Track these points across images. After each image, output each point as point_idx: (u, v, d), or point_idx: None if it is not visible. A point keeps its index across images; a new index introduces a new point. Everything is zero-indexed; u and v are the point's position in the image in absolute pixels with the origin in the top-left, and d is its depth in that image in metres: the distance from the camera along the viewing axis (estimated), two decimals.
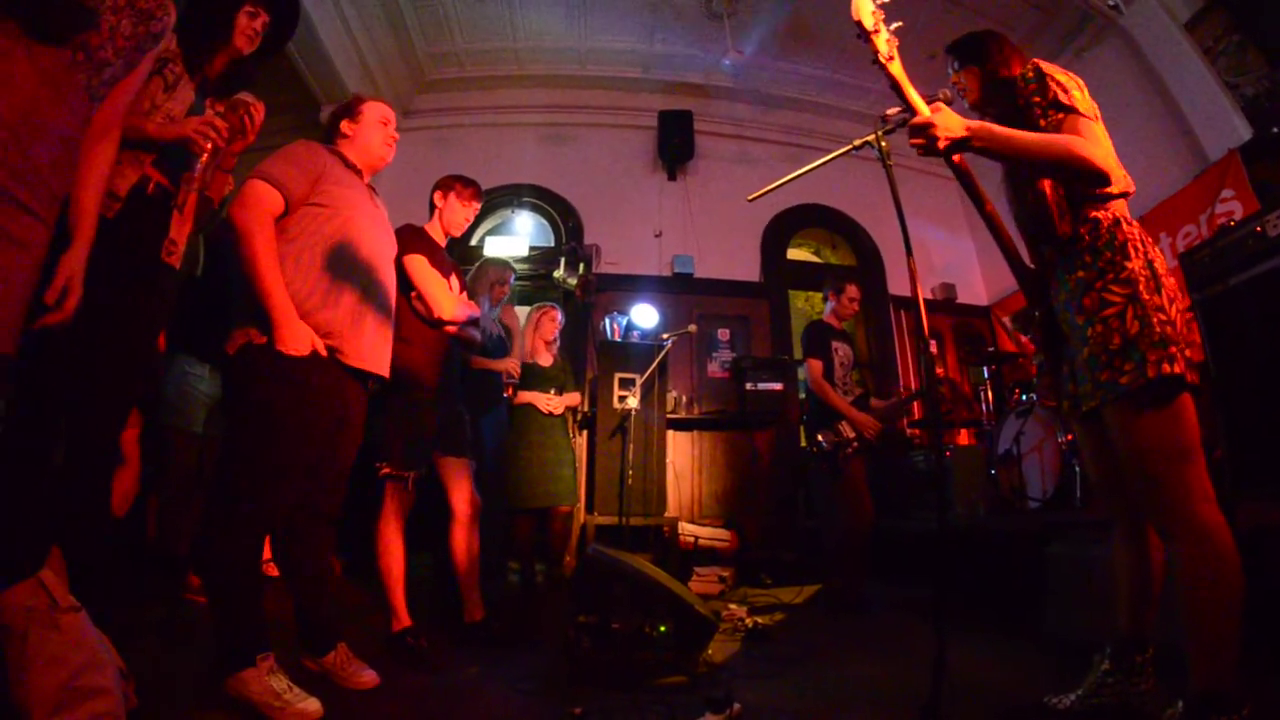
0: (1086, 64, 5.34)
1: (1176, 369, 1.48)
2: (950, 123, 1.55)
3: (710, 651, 2.53)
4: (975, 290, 6.70)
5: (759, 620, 3.15)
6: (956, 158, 1.73)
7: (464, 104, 6.41)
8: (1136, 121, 4.89)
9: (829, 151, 2.15)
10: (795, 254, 6.83)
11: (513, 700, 2.04)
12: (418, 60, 6.11)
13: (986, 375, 5.02)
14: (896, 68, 1.59)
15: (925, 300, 6.34)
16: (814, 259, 7.03)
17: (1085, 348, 1.61)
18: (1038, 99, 1.66)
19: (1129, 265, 1.57)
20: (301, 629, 2.09)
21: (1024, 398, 4.41)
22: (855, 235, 6.51)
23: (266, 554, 2.11)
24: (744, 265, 6.23)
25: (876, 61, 1.57)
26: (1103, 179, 1.56)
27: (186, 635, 2.31)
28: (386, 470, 2.51)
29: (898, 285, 6.45)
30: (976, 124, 1.58)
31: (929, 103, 1.66)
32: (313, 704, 1.71)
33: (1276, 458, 2.47)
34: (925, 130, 1.55)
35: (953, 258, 6.57)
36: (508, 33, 5.92)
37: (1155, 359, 1.48)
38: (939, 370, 6.29)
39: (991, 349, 5.28)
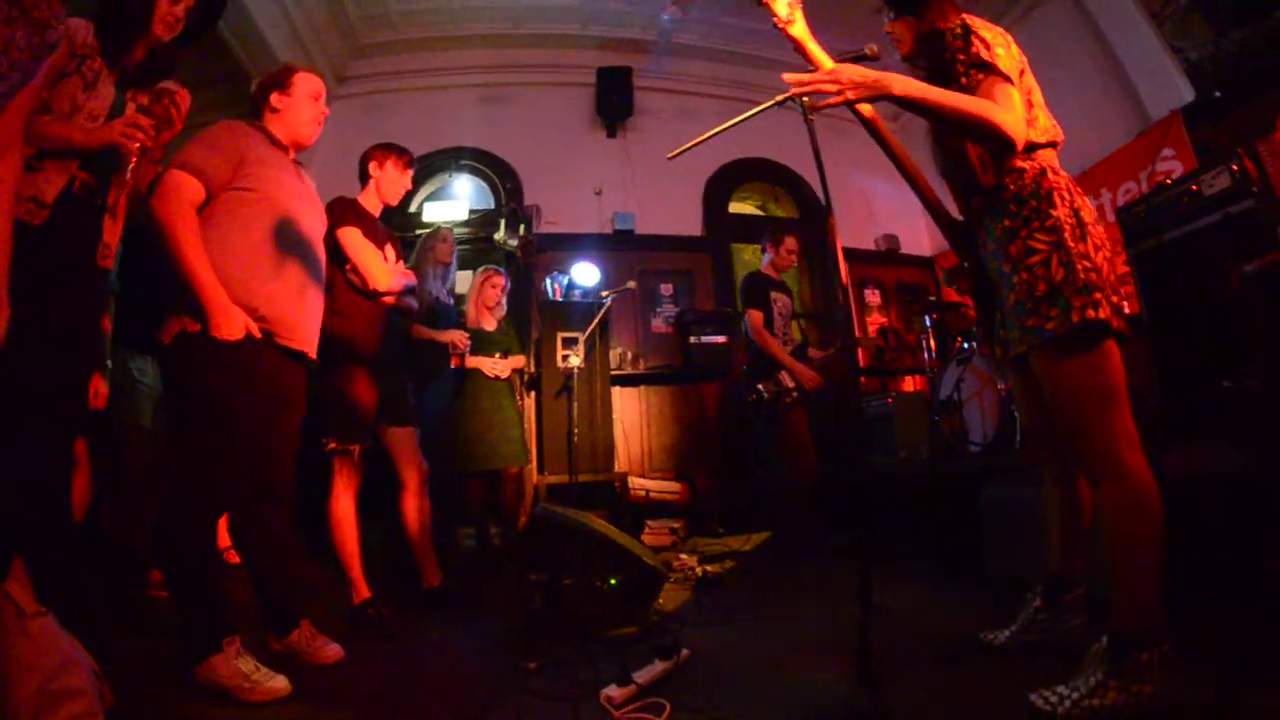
0: (1034, 21, 5.43)
1: (1101, 314, 1.49)
2: (853, 71, 1.56)
3: (661, 601, 2.65)
4: (919, 241, 6.83)
5: (709, 569, 3.29)
6: (867, 112, 1.76)
7: (399, 68, 6.19)
8: (1082, 79, 5.01)
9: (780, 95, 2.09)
10: (739, 207, 6.87)
11: (472, 660, 2.14)
12: (350, 24, 5.86)
13: (929, 324, 5.21)
14: (798, 29, 1.60)
15: (869, 251, 6.55)
16: (758, 212, 7.10)
17: (1012, 294, 1.63)
18: (961, 56, 1.65)
19: (1054, 213, 1.57)
20: (264, 610, 2.13)
21: (965, 346, 4.53)
22: (797, 187, 6.56)
23: (225, 541, 2.14)
24: (686, 220, 6.26)
25: (776, 26, 1.59)
26: (1009, 145, 1.55)
27: (154, 630, 2.32)
28: (332, 445, 2.55)
29: (842, 237, 6.50)
30: (884, 74, 1.57)
31: (855, 59, 1.70)
32: (280, 681, 1.77)
33: (1206, 405, 2.60)
34: (829, 80, 1.57)
35: (896, 209, 6.64)
36: None
37: (1080, 305, 1.49)
38: (882, 320, 6.50)
39: (933, 298, 5.45)
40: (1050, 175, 1.62)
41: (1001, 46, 1.63)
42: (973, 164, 1.73)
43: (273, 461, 2.11)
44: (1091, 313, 1.49)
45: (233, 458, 1.91)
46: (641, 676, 1.74)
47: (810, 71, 1.67)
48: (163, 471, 2.56)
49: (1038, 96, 1.71)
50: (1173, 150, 4.33)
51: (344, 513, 2.55)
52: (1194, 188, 2.75)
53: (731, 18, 6.08)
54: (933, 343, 5.02)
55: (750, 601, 2.75)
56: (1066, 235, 1.54)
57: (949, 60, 1.67)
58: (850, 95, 1.56)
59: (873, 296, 6.61)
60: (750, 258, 7.62)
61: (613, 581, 2.41)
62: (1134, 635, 1.40)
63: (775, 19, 1.58)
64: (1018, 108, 1.57)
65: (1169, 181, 2.98)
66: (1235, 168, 2.58)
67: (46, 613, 1.20)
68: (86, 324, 1.71)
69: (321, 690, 1.86)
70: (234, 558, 2.27)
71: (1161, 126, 4.46)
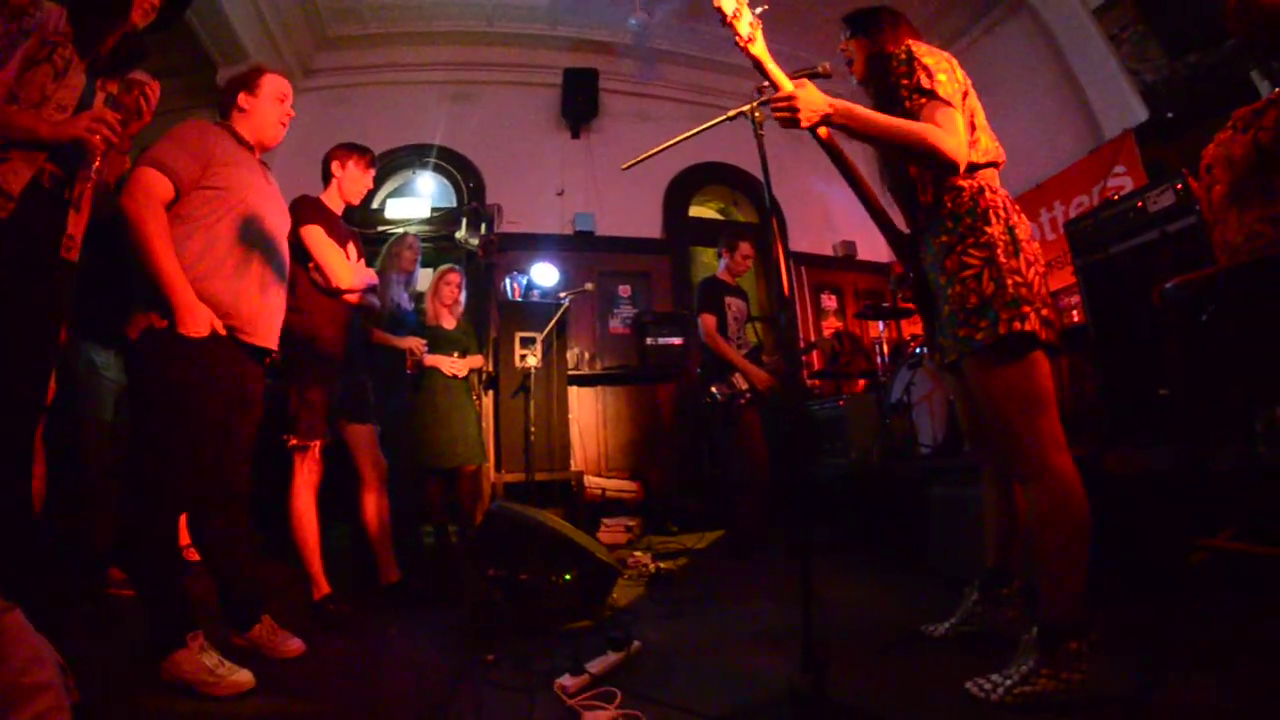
0: (996, 38, 5.65)
1: (1027, 327, 1.57)
2: (813, 99, 1.63)
3: (615, 596, 2.74)
4: (876, 247, 6.99)
5: (662, 565, 3.38)
6: (822, 132, 1.83)
7: (366, 62, 6.16)
8: (1040, 96, 5.24)
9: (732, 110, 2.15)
10: (700, 211, 6.98)
11: (430, 654, 2.19)
12: (319, 16, 5.80)
13: (882, 329, 5.36)
14: (758, 48, 1.66)
15: (826, 257, 6.69)
16: (719, 216, 7.21)
17: (947, 305, 1.71)
18: (905, 81, 1.71)
19: (988, 230, 1.64)
20: (225, 607, 2.15)
21: (918, 351, 4.61)
22: (757, 192, 6.67)
23: (185, 539, 2.15)
24: (646, 223, 6.35)
25: (738, 45, 1.65)
26: (952, 168, 1.63)
27: (115, 628, 2.33)
28: (293, 441, 2.57)
29: (799, 241, 6.71)
30: (839, 103, 1.65)
31: (810, 75, 1.78)
32: (244, 675, 1.81)
33: (1145, 409, 2.74)
34: (786, 105, 1.64)
35: (854, 215, 6.66)
36: None
37: (1007, 317, 1.58)
38: (838, 324, 6.66)
39: (887, 304, 5.60)
40: (987, 194, 1.70)
41: (945, 72, 1.71)
42: (913, 182, 1.83)
43: (231, 459, 2.13)
44: (1018, 325, 1.57)
45: (196, 455, 1.94)
46: (594, 666, 1.82)
47: (767, 88, 1.74)
48: (122, 466, 2.56)
49: (981, 119, 1.79)
50: (1124, 167, 4.57)
51: (304, 509, 2.57)
52: (1139, 204, 2.88)
53: (696, 22, 6.16)
54: (884, 347, 5.17)
55: (701, 596, 2.84)
56: (999, 252, 1.63)
57: (893, 84, 1.75)
58: (804, 122, 1.64)
59: (829, 301, 6.78)
60: (709, 261, 7.73)
61: (567, 577, 2.46)
62: (1062, 626, 1.49)
63: (737, 38, 1.63)
64: (960, 131, 1.64)
65: (1115, 197, 3.10)
66: (1179, 186, 2.73)
67: (14, 608, 1.22)
68: (49, 316, 1.71)
69: (285, 684, 1.90)
70: (193, 555, 2.28)
71: (1115, 144, 4.69)
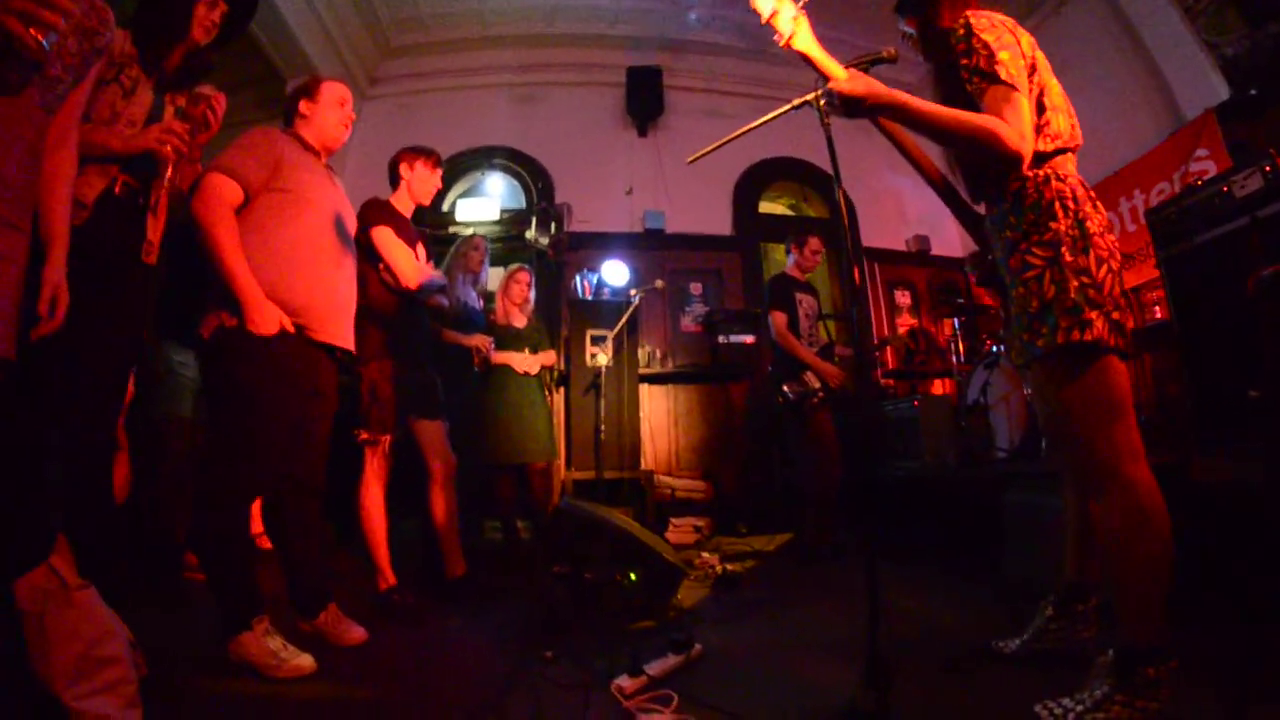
0: (1065, 19, 5.34)
1: (1088, 336, 1.44)
2: (860, 88, 1.54)
3: (679, 597, 2.68)
4: (950, 242, 6.72)
5: (729, 567, 3.32)
6: (882, 120, 1.73)
7: (430, 68, 6.31)
8: (1114, 77, 4.91)
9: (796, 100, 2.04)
10: (770, 207, 6.86)
11: (490, 648, 2.19)
12: (381, 27, 6.00)
13: (958, 326, 5.13)
14: (802, 42, 1.58)
15: (900, 252, 6.47)
16: (789, 212, 7.07)
17: (1013, 307, 1.61)
18: (965, 61, 1.57)
19: (1053, 226, 1.51)
20: (294, 594, 2.22)
21: (994, 349, 4.40)
22: (827, 188, 6.47)
23: (258, 528, 2.24)
24: (716, 219, 6.27)
25: (780, 44, 1.59)
26: (1014, 163, 1.50)
27: (189, 611, 2.45)
28: (364, 436, 2.64)
29: (872, 237, 6.51)
30: (891, 93, 1.55)
31: (874, 61, 1.69)
32: (306, 659, 1.87)
33: (1235, 414, 2.49)
34: (835, 96, 1.57)
35: (928, 209, 6.56)
36: None
37: (1066, 326, 1.46)
38: (912, 321, 6.42)
39: (963, 300, 5.37)
40: (1054, 183, 1.55)
41: (1008, 48, 1.56)
42: (978, 172, 1.71)
43: (304, 451, 2.20)
44: (1077, 334, 1.45)
45: (263, 447, 2.00)
46: (653, 669, 1.78)
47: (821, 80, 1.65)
48: (199, 459, 2.69)
49: (1053, 97, 1.62)
50: (1207, 149, 4.22)
51: (373, 502, 2.64)
52: (1225, 189, 2.64)
53: (758, 15, 6.04)
54: (961, 346, 4.94)
55: (767, 599, 2.77)
56: (1064, 250, 1.49)
57: (953, 63, 1.61)
58: (848, 110, 1.57)
59: (903, 297, 6.53)
60: (781, 258, 7.59)
61: (633, 576, 2.44)
62: (1139, 650, 1.37)
63: (778, 36, 1.57)
64: (1024, 119, 1.50)
65: (1199, 183, 2.85)
66: (1268, 168, 2.48)
67: (89, 585, 1.29)
68: (128, 316, 1.81)
69: (345, 670, 1.95)
70: (266, 544, 2.36)
71: (1195, 126, 4.35)
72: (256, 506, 2.46)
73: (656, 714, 1.56)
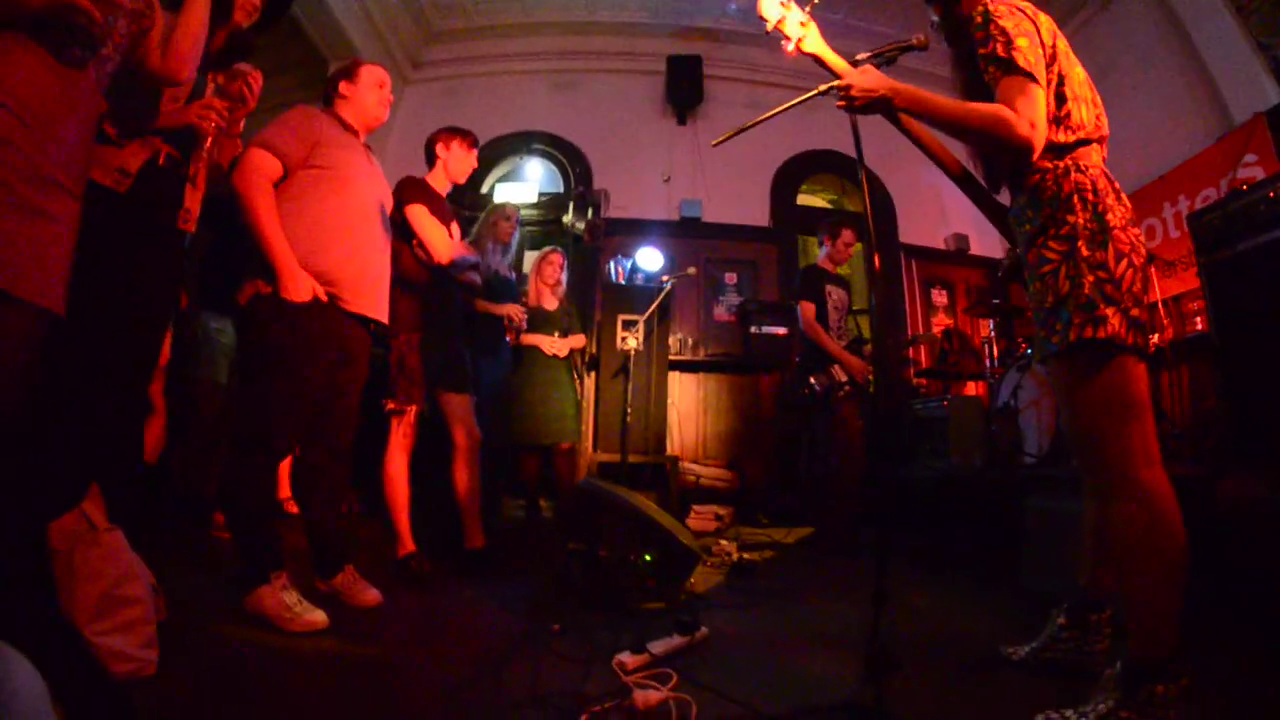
0: (1113, 16, 5.15)
1: (1101, 333, 1.39)
2: (868, 83, 1.54)
3: (693, 582, 2.70)
4: (989, 242, 6.53)
5: (746, 556, 3.30)
6: (903, 119, 1.71)
7: (472, 53, 6.39)
8: (1162, 78, 4.72)
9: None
10: (808, 199, 6.77)
11: (499, 618, 2.24)
12: (423, 11, 6.09)
13: (992, 328, 5.03)
14: (811, 44, 1.59)
15: (938, 250, 6.34)
16: (828, 205, 6.97)
17: (1030, 303, 1.57)
18: (982, 50, 1.52)
19: (1070, 219, 1.47)
20: (314, 554, 2.31)
21: (1029, 352, 4.29)
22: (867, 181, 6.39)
23: (286, 492, 2.32)
24: (754, 210, 6.21)
25: (789, 49, 1.59)
26: (1024, 150, 1.44)
27: (213, 567, 2.53)
28: (391, 405, 2.72)
29: (909, 233, 6.39)
30: (898, 86, 1.53)
31: (902, 49, 1.70)
32: (319, 615, 1.94)
33: (1273, 430, 2.40)
34: (844, 91, 1.56)
35: (968, 207, 6.33)
36: None
37: (1079, 322, 1.41)
38: (948, 321, 6.29)
39: (998, 300, 5.25)
40: (1074, 174, 1.50)
41: (1026, 35, 1.50)
42: (990, 165, 1.70)
43: (333, 417, 2.28)
44: (1090, 331, 1.40)
45: (289, 406, 2.08)
46: (656, 647, 1.80)
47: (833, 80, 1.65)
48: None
49: (1076, 86, 1.57)
50: (1255, 155, 4.03)
51: (397, 471, 2.72)
52: (1271, 195, 2.52)
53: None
54: (996, 348, 4.84)
55: (780, 590, 2.77)
56: (1081, 244, 1.45)
57: (972, 51, 1.57)
58: (857, 105, 1.55)
59: (940, 297, 6.40)
60: (819, 250, 7.51)
61: (647, 557, 2.45)
62: (1149, 665, 1.32)
63: (785, 41, 1.57)
64: (1038, 110, 1.44)
65: (1244, 188, 2.71)
66: None
67: (116, 529, 1.36)
68: (164, 280, 1.89)
69: (356, 629, 2.01)
70: (293, 508, 2.45)
71: (1245, 130, 4.16)
72: (285, 471, 2.56)
73: (652, 691, 1.57)
